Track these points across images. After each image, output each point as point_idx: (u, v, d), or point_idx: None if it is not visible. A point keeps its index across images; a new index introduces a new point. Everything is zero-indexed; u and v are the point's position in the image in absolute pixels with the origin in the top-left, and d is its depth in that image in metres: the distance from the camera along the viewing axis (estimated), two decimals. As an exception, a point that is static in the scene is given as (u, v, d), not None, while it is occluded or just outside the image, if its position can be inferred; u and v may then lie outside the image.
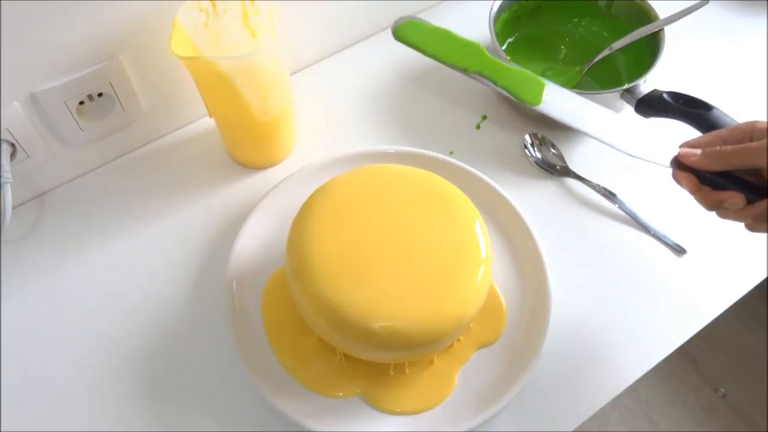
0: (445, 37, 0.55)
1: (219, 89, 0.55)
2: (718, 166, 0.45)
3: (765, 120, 0.45)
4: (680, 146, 0.48)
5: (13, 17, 0.49)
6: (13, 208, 0.58)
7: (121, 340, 0.55)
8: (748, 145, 0.44)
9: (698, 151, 0.46)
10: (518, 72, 0.53)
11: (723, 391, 1.32)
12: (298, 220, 0.51)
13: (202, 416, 0.52)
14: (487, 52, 0.53)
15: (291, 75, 0.73)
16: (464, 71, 0.52)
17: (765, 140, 0.43)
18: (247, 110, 0.57)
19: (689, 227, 0.62)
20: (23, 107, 0.56)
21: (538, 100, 0.52)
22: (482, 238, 0.50)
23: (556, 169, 0.66)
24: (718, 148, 0.45)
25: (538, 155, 0.67)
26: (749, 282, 0.60)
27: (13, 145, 0.57)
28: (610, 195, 0.64)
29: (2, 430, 0.51)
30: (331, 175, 0.56)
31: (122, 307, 0.57)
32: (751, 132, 0.45)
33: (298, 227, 0.50)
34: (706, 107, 0.58)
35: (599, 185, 0.64)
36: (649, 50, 0.67)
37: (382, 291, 0.47)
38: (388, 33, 0.78)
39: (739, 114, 0.57)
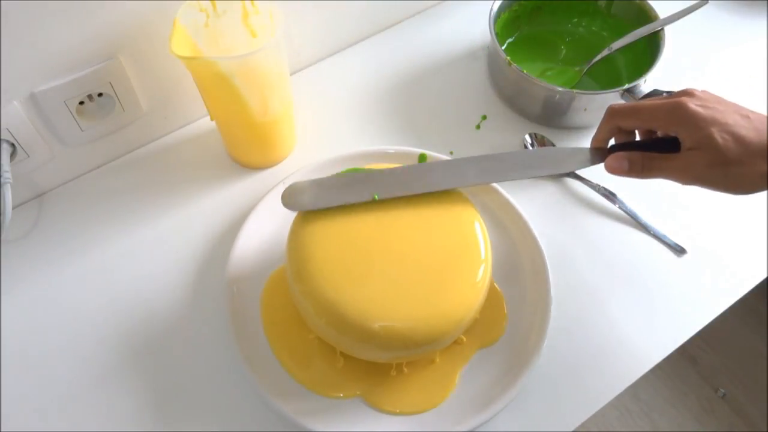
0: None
1: (219, 89, 0.55)
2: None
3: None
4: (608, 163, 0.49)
5: (13, 17, 0.49)
6: (13, 208, 0.58)
7: (121, 339, 0.55)
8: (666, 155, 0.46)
9: (626, 166, 0.47)
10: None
11: (723, 391, 1.32)
12: (298, 220, 0.51)
13: (202, 416, 0.52)
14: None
15: (291, 75, 0.73)
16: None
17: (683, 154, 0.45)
18: (247, 110, 0.57)
19: (689, 227, 0.62)
20: (23, 107, 0.56)
21: None
22: (482, 238, 0.50)
23: (556, 169, 0.66)
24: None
25: (538, 155, 0.66)
26: (749, 282, 0.60)
27: (13, 145, 0.57)
28: (610, 195, 0.64)
29: (2, 430, 0.51)
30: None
31: (122, 306, 0.57)
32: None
33: (298, 227, 0.50)
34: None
35: (599, 185, 0.64)
36: (649, 50, 0.67)
37: (382, 291, 0.47)
38: (388, 33, 0.78)
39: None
